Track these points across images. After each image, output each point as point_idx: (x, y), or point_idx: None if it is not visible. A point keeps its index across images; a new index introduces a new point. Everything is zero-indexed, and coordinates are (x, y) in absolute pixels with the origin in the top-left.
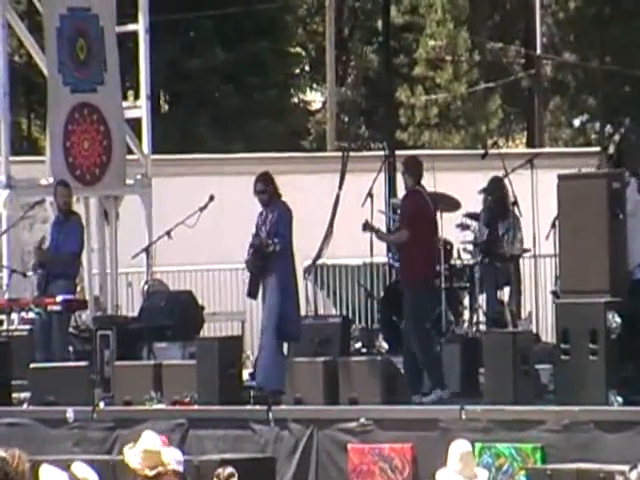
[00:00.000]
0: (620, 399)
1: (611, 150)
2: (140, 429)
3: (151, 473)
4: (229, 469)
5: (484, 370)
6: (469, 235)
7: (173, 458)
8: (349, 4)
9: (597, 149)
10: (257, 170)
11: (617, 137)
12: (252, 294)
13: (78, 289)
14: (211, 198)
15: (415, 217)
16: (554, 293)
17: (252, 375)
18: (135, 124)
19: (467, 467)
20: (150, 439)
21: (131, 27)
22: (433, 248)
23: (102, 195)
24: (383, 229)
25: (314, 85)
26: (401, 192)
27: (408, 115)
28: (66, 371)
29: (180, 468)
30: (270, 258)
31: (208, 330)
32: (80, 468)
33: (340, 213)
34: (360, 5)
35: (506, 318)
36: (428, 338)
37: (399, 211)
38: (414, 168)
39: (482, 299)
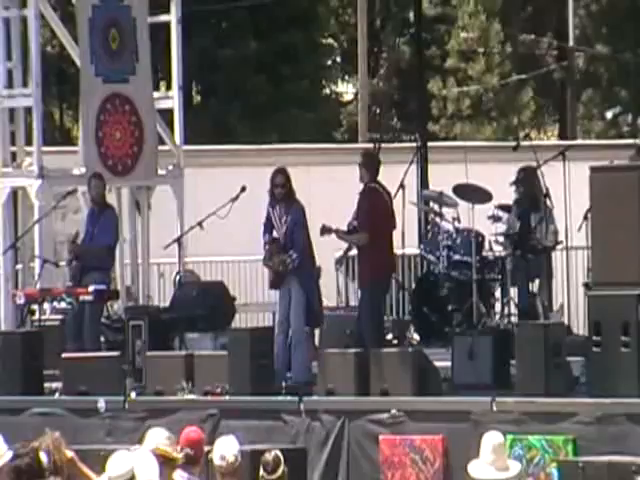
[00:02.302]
0: None
1: (639, 141)
2: (172, 419)
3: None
4: (274, 453)
5: (516, 362)
6: (501, 227)
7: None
8: None
9: (629, 141)
10: (289, 161)
11: None
12: (276, 286)
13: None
14: (243, 189)
15: (373, 218)
16: (586, 285)
17: None
18: (167, 115)
19: (499, 459)
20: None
21: (163, 18)
22: (391, 245)
23: (134, 185)
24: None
25: (346, 76)
26: (434, 184)
27: (440, 107)
28: (98, 361)
29: (239, 459)
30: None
31: (239, 321)
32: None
33: None
34: None
35: (538, 310)
36: (383, 337)
37: (357, 210)
38: (371, 163)
39: (514, 291)
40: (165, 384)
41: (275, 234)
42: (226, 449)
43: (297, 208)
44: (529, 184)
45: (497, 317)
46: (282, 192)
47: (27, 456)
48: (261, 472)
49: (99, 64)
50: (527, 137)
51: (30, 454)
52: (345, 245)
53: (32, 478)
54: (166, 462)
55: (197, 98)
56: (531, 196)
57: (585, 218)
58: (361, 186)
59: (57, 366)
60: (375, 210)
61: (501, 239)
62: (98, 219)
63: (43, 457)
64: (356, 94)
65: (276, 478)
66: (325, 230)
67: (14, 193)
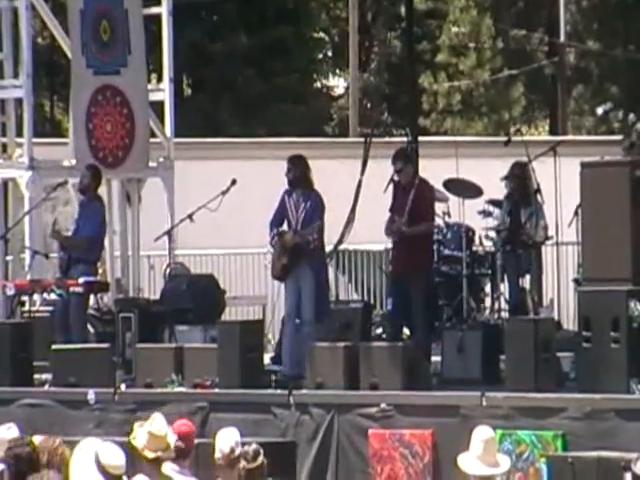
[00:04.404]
0: None
1: (633, 137)
2: (161, 412)
3: (150, 456)
4: (254, 446)
5: (505, 357)
6: (491, 222)
7: (230, 441)
8: None
9: (620, 137)
10: (279, 154)
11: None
12: (282, 278)
13: (100, 271)
14: (233, 182)
15: (433, 207)
16: (576, 281)
17: (273, 359)
18: (158, 107)
19: (489, 454)
20: (157, 422)
21: (155, 10)
22: None
23: (124, 178)
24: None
25: (337, 71)
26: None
27: (431, 101)
28: (88, 353)
29: (239, 449)
30: (301, 253)
31: (229, 314)
32: (108, 454)
33: (362, 199)
34: None
35: (528, 305)
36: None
37: (413, 197)
38: (411, 159)
39: (504, 286)
40: (155, 376)
41: (285, 227)
42: (222, 441)
43: (316, 196)
44: (523, 179)
45: (487, 312)
46: (289, 177)
47: (27, 446)
48: (242, 463)
49: (90, 56)
50: (518, 132)
51: (29, 444)
52: (335, 239)
53: (30, 468)
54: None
55: (187, 91)
56: (523, 191)
57: (575, 214)
58: (346, 179)
59: (47, 357)
60: (433, 200)
61: (491, 234)
62: (84, 210)
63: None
64: (347, 88)
65: (255, 467)
66: (393, 233)
67: (4, 184)
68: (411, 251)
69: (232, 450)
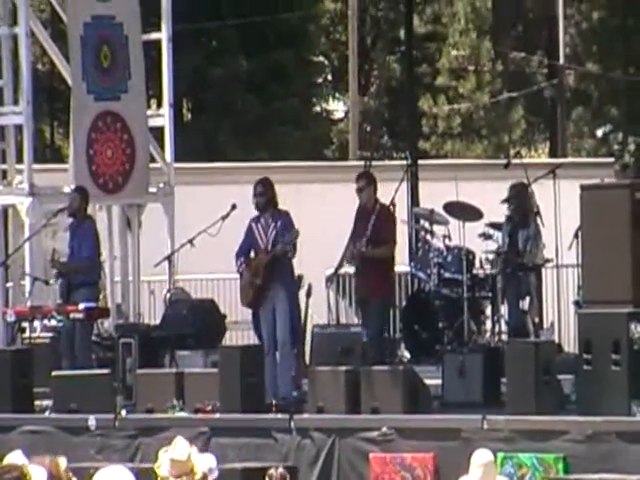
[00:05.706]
0: None
1: (626, 159)
2: (162, 437)
3: None
4: (281, 470)
5: (506, 380)
6: (491, 245)
7: (203, 466)
8: (372, 13)
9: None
10: (279, 179)
11: (632, 146)
12: (254, 304)
13: (101, 297)
14: (233, 207)
15: (395, 232)
16: (576, 303)
17: None
18: (158, 132)
19: (488, 477)
20: (179, 447)
21: (154, 36)
22: None
23: (125, 203)
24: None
25: (336, 94)
26: (425, 201)
27: (431, 125)
28: (88, 379)
29: (213, 475)
30: (276, 269)
31: (230, 338)
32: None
33: None
34: (383, 14)
35: (528, 328)
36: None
37: (373, 222)
38: (374, 181)
39: (504, 309)
40: (156, 402)
41: (252, 255)
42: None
43: (285, 215)
44: (520, 200)
45: (487, 335)
46: (262, 201)
47: (16, 470)
48: None
49: (90, 82)
50: (518, 155)
51: (17, 469)
52: (335, 263)
53: None
54: None
55: (187, 115)
56: (521, 213)
57: (575, 236)
58: (346, 203)
59: (47, 384)
60: (395, 224)
61: (492, 257)
62: (76, 232)
63: (37, 475)
64: (347, 112)
65: None
66: (353, 256)
67: (4, 211)
68: (369, 276)
69: (204, 476)
